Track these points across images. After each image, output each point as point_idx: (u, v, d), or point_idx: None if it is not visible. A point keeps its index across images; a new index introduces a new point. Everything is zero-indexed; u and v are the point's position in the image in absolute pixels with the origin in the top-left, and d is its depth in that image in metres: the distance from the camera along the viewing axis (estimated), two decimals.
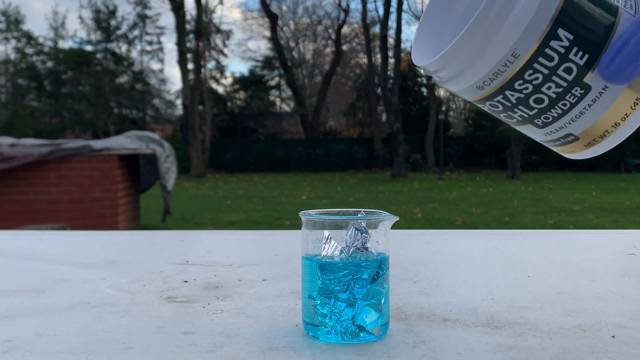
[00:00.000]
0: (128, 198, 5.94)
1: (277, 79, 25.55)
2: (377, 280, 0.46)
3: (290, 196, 10.39)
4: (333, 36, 25.35)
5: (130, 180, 6.03)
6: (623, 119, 0.37)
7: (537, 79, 0.35)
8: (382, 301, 0.47)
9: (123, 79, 24.84)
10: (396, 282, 0.67)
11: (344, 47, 25.60)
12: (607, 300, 0.59)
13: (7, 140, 5.32)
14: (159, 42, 28.66)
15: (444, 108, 24.66)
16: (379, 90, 21.26)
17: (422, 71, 0.39)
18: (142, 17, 24.96)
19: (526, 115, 0.38)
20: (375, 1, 28.36)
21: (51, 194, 5.34)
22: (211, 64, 24.17)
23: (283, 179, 15.77)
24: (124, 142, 5.61)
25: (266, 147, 21.03)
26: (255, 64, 25.85)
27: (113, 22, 24.82)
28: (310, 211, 0.50)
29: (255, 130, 24.93)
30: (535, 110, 0.37)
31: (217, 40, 24.26)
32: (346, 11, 24.51)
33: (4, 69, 24.56)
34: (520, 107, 0.37)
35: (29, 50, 24.80)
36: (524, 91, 0.36)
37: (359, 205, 8.62)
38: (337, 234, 0.48)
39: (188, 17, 20.28)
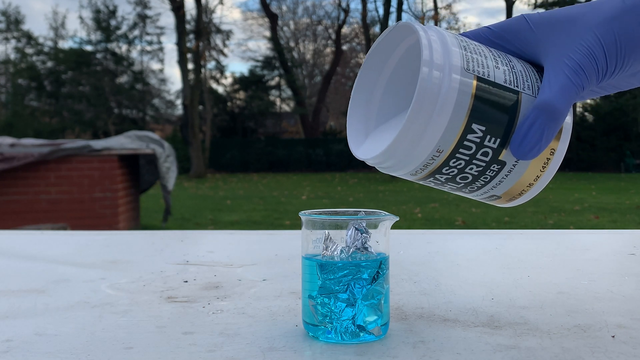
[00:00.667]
0: (128, 198, 5.94)
1: (277, 79, 25.56)
2: (377, 280, 0.46)
3: (290, 196, 10.39)
4: (333, 36, 25.35)
5: (130, 180, 6.03)
6: (535, 179, 0.44)
7: (460, 164, 0.42)
8: (382, 301, 0.47)
9: (123, 79, 24.83)
10: (396, 282, 0.67)
11: (344, 47, 25.59)
12: (607, 300, 0.59)
13: (7, 140, 5.32)
14: (159, 42, 28.69)
15: None
16: None
17: None
18: (142, 17, 24.96)
19: (455, 187, 0.45)
20: (375, 1, 28.38)
21: (51, 194, 5.34)
22: (211, 64, 24.18)
23: (283, 179, 15.77)
24: (124, 142, 5.61)
25: (266, 147, 21.02)
26: (255, 64, 25.86)
27: (113, 22, 24.82)
28: (310, 211, 0.50)
29: (255, 130, 24.93)
30: (462, 184, 0.44)
31: (217, 40, 24.26)
32: (346, 11, 24.51)
33: (4, 69, 24.56)
34: (449, 183, 0.44)
35: (29, 50, 24.80)
36: (451, 173, 0.43)
37: (359, 205, 8.62)
38: (337, 234, 0.48)
39: (188, 17, 20.28)
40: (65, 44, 26.06)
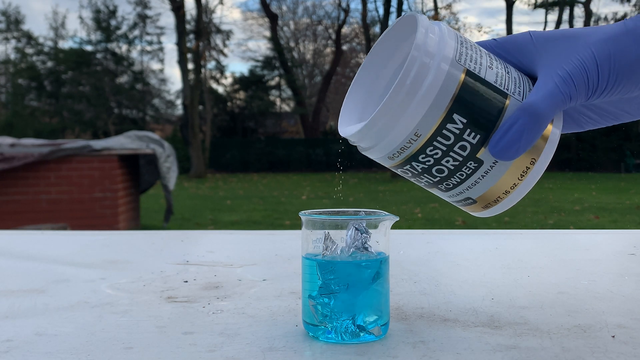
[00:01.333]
0: (128, 198, 5.94)
1: (277, 79, 25.55)
2: (377, 280, 0.46)
3: (290, 196, 10.39)
4: (333, 36, 25.35)
5: (130, 180, 6.03)
6: (512, 187, 0.43)
7: (437, 154, 0.41)
8: (382, 301, 0.47)
9: (123, 79, 24.82)
10: (396, 282, 0.67)
11: (344, 47, 25.59)
12: (607, 300, 0.59)
13: (7, 140, 5.32)
14: (159, 42, 28.65)
15: None
16: None
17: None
18: (142, 17, 24.95)
19: (431, 182, 0.44)
20: (375, 1, 28.39)
21: (51, 194, 5.34)
22: (211, 64, 24.17)
23: (283, 179, 15.76)
24: (124, 142, 5.61)
25: (266, 147, 21.02)
26: (255, 64, 25.85)
27: (113, 22, 24.81)
28: (310, 211, 0.50)
29: (255, 130, 24.92)
30: (438, 178, 0.43)
31: (217, 40, 24.25)
32: (346, 11, 24.51)
33: (4, 69, 24.56)
34: (425, 175, 0.44)
35: (29, 50, 24.80)
36: (427, 163, 0.42)
37: (359, 205, 8.62)
38: (337, 234, 0.48)
39: (188, 17, 20.28)
40: (65, 44, 26.06)
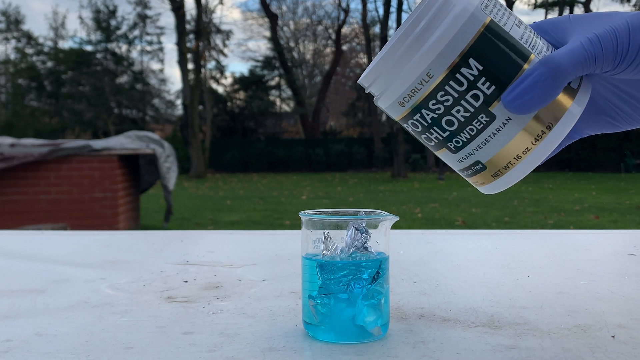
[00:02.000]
0: (128, 198, 5.94)
1: (277, 79, 25.56)
2: (377, 280, 0.46)
3: (290, 196, 10.39)
4: (333, 36, 25.35)
5: (130, 180, 6.03)
6: (524, 152, 0.40)
7: (447, 100, 0.39)
8: (382, 301, 0.47)
9: (123, 79, 24.84)
10: (396, 282, 0.67)
11: (344, 47, 25.60)
12: (607, 300, 0.59)
13: (7, 140, 5.32)
14: (159, 42, 28.69)
15: None
16: None
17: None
18: (142, 17, 24.96)
19: (440, 137, 0.42)
20: (375, 1, 28.39)
21: (51, 194, 5.34)
22: (211, 64, 24.19)
23: (283, 179, 15.77)
24: (124, 142, 5.61)
25: (266, 147, 21.03)
26: (255, 64, 25.86)
27: (113, 22, 24.83)
28: (310, 211, 0.50)
29: (255, 130, 24.93)
30: (448, 132, 0.41)
31: (217, 40, 24.27)
32: (346, 11, 24.51)
33: (4, 69, 24.57)
34: (435, 127, 0.41)
35: (29, 50, 24.81)
36: (437, 111, 0.40)
37: (359, 205, 8.63)
38: (337, 234, 0.48)
39: (188, 17, 20.30)
40: (65, 44, 26.09)
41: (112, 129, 21.81)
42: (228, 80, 27.09)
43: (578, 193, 10.06)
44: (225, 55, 25.90)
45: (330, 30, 26.04)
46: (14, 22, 24.77)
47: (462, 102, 0.39)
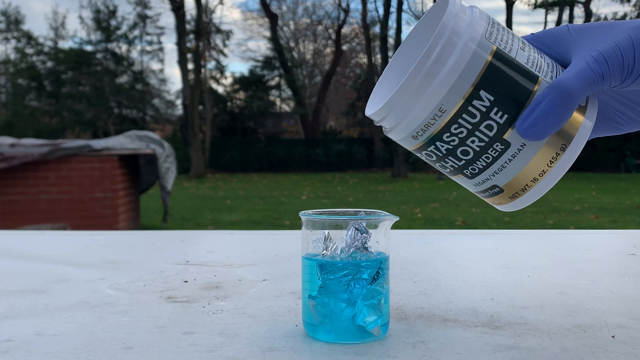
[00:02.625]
0: (128, 198, 5.94)
1: (277, 79, 25.55)
2: (377, 280, 0.46)
3: (290, 196, 10.39)
4: (333, 36, 25.35)
5: (130, 180, 6.03)
6: (541, 174, 0.41)
7: (462, 132, 0.40)
8: (382, 301, 0.47)
9: (123, 79, 24.83)
10: (396, 282, 0.67)
11: (344, 47, 25.59)
12: (607, 300, 0.59)
13: (7, 140, 5.32)
14: (159, 42, 28.67)
15: None
16: None
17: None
18: (142, 17, 24.96)
19: (456, 166, 0.42)
20: (375, 1, 28.40)
21: (51, 194, 5.34)
22: (211, 64, 24.19)
23: (283, 179, 15.76)
24: (124, 142, 5.61)
25: (266, 147, 21.02)
26: (255, 64, 25.85)
27: (113, 22, 24.83)
28: (310, 211, 0.50)
29: (255, 130, 24.93)
30: (463, 162, 0.41)
31: (217, 40, 24.26)
32: (346, 11, 24.51)
33: (4, 69, 24.57)
34: (450, 157, 0.42)
35: (29, 50, 24.81)
36: (452, 143, 0.40)
37: (359, 205, 8.62)
38: (337, 234, 0.48)
39: (188, 17, 20.29)
40: (65, 44, 26.07)
41: (112, 129, 21.81)
42: (228, 80, 27.10)
43: (578, 193, 10.06)
44: (225, 55, 25.89)
45: (330, 30, 26.04)
46: (14, 22, 24.77)
47: (477, 132, 0.40)
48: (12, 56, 24.87)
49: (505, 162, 0.41)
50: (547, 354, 0.44)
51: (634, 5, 20.65)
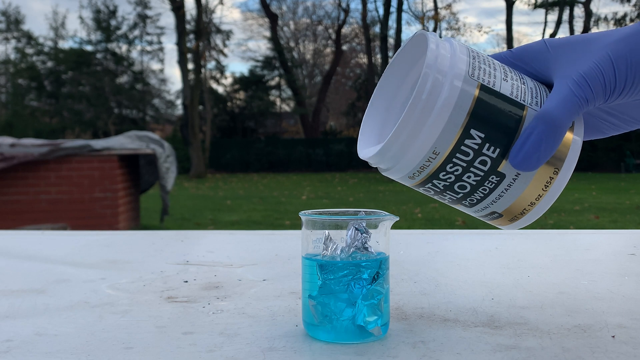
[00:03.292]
0: (128, 198, 5.94)
1: (277, 79, 25.56)
2: (377, 280, 0.46)
3: (290, 196, 10.39)
4: (333, 36, 25.35)
5: (130, 180, 6.03)
6: (537, 199, 0.43)
7: (457, 170, 0.41)
8: (382, 301, 0.47)
9: (123, 79, 24.84)
10: (396, 282, 0.67)
11: (344, 47, 25.59)
12: (607, 300, 0.59)
13: (7, 140, 5.32)
14: (159, 42, 28.64)
15: None
16: None
17: None
18: (142, 17, 24.97)
19: (454, 198, 0.44)
20: (375, 1, 28.40)
21: (51, 194, 5.34)
22: (211, 64, 24.18)
23: (283, 179, 15.76)
24: (124, 142, 5.61)
25: (266, 147, 21.02)
26: (255, 64, 25.87)
27: (113, 22, 24.84)
28: (310, 211, 0.50)
29: (255, 130, 24.94)
30: (461, 195, 0.43)
31: (217, 40, 24.26)
32: (346, 11, 24.51)
33: (4, 69, 24.57)
34: (448, 192, 0.43)
35: (29, 50, 24.81)
36: (448, 180, 0.42)
37: (359, 205, 8.62)
38: (337, 234, 0.48)
39: (188, 17, 20.29)
40: (65, 44, 26.10)
41: (112, 129, 21.82)
42: (228, 80, 27.12)
43: (578, 193, 10.06)
44: (225, 55, 25.88)
45: (330, 30, 26.04)
46: (14, 22, 24.78)
47: (471, 168, 0.41)
48: (12, 56, 24.89)
49: (502, 191, 0.42)
50: (547, 354, 0.44)
51: (634, 5, 20.65)
